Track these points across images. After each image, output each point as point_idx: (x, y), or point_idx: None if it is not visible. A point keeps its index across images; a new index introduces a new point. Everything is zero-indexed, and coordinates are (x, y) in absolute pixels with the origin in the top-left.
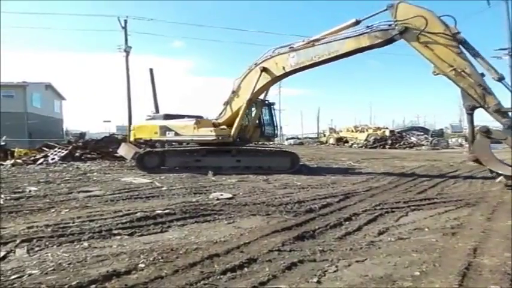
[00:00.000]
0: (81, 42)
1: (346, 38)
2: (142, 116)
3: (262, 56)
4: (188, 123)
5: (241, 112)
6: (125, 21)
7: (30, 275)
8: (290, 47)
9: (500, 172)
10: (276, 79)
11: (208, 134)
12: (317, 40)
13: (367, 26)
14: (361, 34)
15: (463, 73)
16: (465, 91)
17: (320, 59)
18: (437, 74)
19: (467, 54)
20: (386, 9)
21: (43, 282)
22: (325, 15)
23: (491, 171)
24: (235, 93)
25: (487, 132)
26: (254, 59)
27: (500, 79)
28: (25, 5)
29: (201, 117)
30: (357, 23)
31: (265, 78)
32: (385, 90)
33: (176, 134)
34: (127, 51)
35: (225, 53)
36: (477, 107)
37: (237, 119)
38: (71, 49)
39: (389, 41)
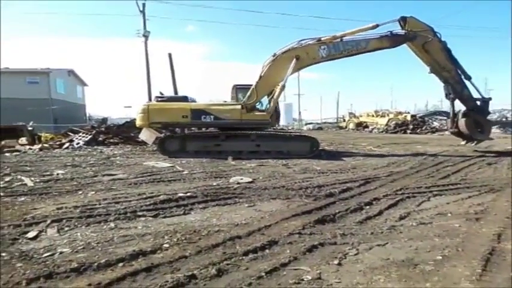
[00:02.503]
0: (101, 28)
1: (372, 38)
2: None
3: (289, 45)
4: (235, 107)
5: (275, 96)
6: (143, 4)
7: (61, 253)
8: (318, 40)
9: (479, 138)
10: (305, 66)
11: (263, 118)
12: (343, 36)
13: (389, 31)
14: (383, 37)
15: (451, 73)
16: (452, 87)
17: (349, 53)
18: (432, 73)
19: None
20: (398, 20)
21: (74, 260)
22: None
23: (466, 139)
24: (262, 78)
25: (468, 114)
26: (265, 42)
27: (469, 79)
28: None
29: (193, 100)
30: (376, 26)
31: (296, 65)
32: (407, 73)
33: (216, 118)
34: (146, 36)
35: (239, 38)
36: (456, 97)
37: (271, 104)
38: (91, 35)
39: (401, 44)
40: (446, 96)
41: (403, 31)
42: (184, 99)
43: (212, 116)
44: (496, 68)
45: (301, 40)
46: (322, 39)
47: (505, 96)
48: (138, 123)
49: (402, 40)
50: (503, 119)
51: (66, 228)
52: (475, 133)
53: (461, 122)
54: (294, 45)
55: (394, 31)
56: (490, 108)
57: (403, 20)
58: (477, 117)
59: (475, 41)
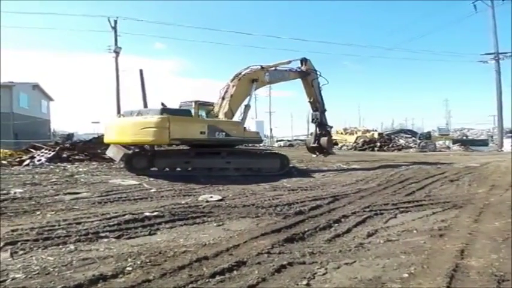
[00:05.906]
0: (69, 42)
1: (290, 71)
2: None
3: (244, 69)
4: (239, 125)
5: (243, 115)
6: (115, 21)
7: (13, 279)
8: (262, 67)
9: (331, 152)
10: (258, 88)
11: (257, 136)
12: (276, 66)
13: (298, 67)
14: (295, 71)
15: (320, 105)
16: (319, 114)
17: (280, 80)
18: (310, 102)
19: None
20: (301, 60)
21: (27, 286)
22: (306, 15)
23: (322, 153)
24: (233, 96)
25: (326, 134)
26: (228, 59)
27: (325, 111)
28: (12, 4)
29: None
30: (290, 62)
31: (256, 86)
32: (372, 93)
33: (227, 134)
34: (117, 52)
35: (205, 55)
36: (319, 122)
37: (242, 123)
38: (58, 49)
39: (302, 77)
40: (313, 120)
41: (304, 68)
42: (188, 113)
43: (224, 133)
44: (456, 89)
45: (250, 66)
46: (263, 66)
47: (463, 115)
48: (151, 140)
49: (303, 75)
50: (463, 137)
51: (21, 252)
52: (330, 148)
53: (324, 139)
54: (247, 70)
55: (300, 68)
56: (450, 128)
57: (304, 61)
58: (330, 138)
59: (437, 64)
